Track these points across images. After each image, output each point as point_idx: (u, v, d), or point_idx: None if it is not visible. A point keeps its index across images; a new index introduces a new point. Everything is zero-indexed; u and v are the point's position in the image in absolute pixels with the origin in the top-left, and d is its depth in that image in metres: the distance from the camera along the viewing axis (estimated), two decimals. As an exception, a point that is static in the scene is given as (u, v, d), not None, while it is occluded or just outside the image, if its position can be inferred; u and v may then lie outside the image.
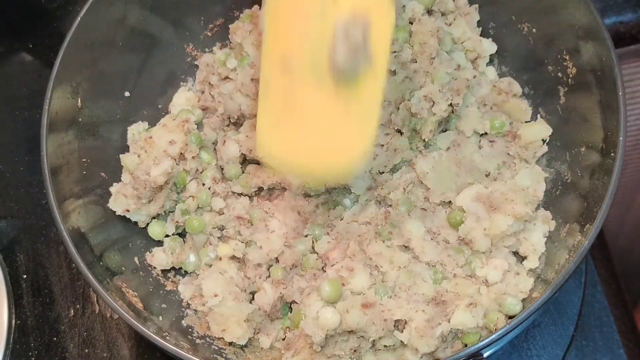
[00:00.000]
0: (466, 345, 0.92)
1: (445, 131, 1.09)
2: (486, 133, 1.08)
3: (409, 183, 1.05)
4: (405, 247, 1.01)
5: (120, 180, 1.06)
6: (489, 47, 1.10)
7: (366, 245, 1.01)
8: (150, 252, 1.06)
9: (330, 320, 0.93)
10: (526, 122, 1.07)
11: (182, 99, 1.15)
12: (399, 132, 1.08)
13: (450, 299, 0.95)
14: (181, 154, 1.06)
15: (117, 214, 1.03)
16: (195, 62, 1.19)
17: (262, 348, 1.00)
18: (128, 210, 1.03)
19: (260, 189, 1.08)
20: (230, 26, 1.17)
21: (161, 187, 1.03)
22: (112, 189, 1.03)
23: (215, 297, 0.97)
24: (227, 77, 1.14)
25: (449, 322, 0.92)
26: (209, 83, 1.16)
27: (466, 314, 0.92)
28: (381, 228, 1.02)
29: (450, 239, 1.01)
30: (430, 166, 1.05)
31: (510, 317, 0.93)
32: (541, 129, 1.04)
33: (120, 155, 1.06)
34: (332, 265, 1.01)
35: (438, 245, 1.01)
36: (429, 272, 0.99)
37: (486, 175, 1.05)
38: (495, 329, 0.91)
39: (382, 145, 1.06)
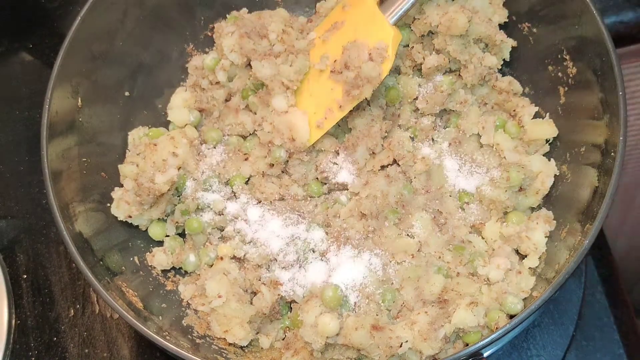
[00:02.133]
0: (467, 345, 0.92)
1: (446, 128, 1.10)
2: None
3: (412, 173, 1.06)
4: (409, 236, 1.03)
5: (119, 182, 1.06)
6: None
7: (369, 234, 1.02)
8: (150, 252, 1.06)
9: (330, 327, 0.92)
10: (533, 119, 1.07)
11: (179, 99, 1.15)
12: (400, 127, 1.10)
13: (452, 297, 0.96)
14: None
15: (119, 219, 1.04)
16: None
17: (262, 348, 1.00)
18: (130, 217, 1.03)
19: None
20: (214, 25, 1.17)
21: (163, 193, 1.03)
22: (113, 195, 1.03)
23: (219, 298, 0.97)
24: (218, 82, 1.14)
25: (450, 322, 0.93)
26: (200, 87, 1.16)
27: (467, 313, 0.92)
28: (388, 211, 1.03)
29: (457, 231, 1.02)
30: (431, 157, 1.06)
31: (511, 316, 0.93)
32: (548, 129, 1.04)
33: (119, 166, 1.06)
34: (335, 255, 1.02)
35: (442, 236, 1.02)
36: (434, 268, 0.99)
37: (486, 172, 1.05)
38: (496, 328, 0.91)
39: (383, 139, 1.07)
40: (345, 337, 0.92)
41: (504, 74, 1.11)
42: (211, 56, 1.15)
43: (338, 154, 1.08)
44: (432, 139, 1.10)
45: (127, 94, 1.12)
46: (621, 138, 0.89)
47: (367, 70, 0.99)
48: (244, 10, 1.16)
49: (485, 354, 0.92)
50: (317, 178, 1.09)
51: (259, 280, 1.03)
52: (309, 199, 1.09)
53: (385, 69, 1.00)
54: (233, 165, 1.10)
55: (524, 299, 0.94)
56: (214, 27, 1.18)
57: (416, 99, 1.10)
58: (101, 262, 0.96)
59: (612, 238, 1.23)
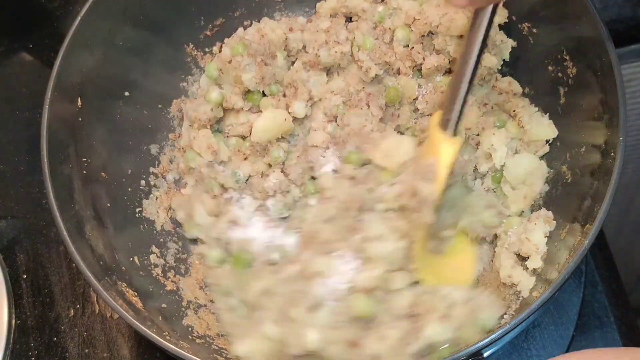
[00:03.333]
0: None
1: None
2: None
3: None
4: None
5: (120, 182, 1.07)
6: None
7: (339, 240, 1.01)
8: (150, 253, 1.06)
9: (312, 343, 0.90)
10: (535, 119, 1.07)
11: None
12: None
13: (423, 311, 0.93)
14: None
15: (118, 214, 1.03)
16: (199, 62, 1.19)
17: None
18: None
19: None
20: (215, 52, 1.18)
21: None
22: None
23: None
24: None
25: (421, 337, 0.90)
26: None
27: (438, 327, 0.90)
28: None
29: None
30: None
31: (487, 332, 0.91)
32: (548, 130, 1.04)
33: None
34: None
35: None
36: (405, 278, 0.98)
37: (484, 175, 1.06)
38: (467, 346, 0.89)
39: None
40: (322, 351, 0.90)
41: (503, 74, 1.11)
42: (216, 93, 1.11)
43: (328, 148, 1.09)
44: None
45: (127, 94, 1.12)
46: (621, 138, 0.89)
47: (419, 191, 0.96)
48: (240, 30, 1.15)
49: (485, 354, 0.92)
50: (312, 177, 1.09)
51: None
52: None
53: (436, 187, 0.95)
54: (233, 166, 1.11)
55: (524, 299, 0.94)
56: (213, 27, 1.18)
57: (416, 99, 1.10)
58: (101, 262, 0.96)
59: (612, 238, 1.23)
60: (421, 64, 1.09)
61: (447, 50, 1.06)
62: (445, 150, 0.95)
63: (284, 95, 1.12)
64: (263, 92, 1.11)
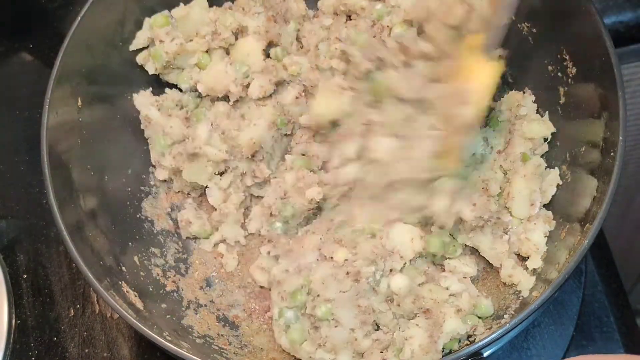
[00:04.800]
0: (450, 352, 0.92)
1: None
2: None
3: None
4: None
5: (120, 182, 1.07)
6: None
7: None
8: (151, 252, 1.06)
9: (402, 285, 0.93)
10: (532, 117, 1.06)
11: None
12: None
13: (430, 305, 0.95)
14: None
15: (118, 214, 1.03)
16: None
17: (261, 349, 1.00)
18: None
19: None
20: None
21: None
22: None
23: None
24: None
25: (442, 332, 0.91)
26: None
27: (457, 321, 0.91)
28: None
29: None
30: None
31: (483, 319, 0.94)
32: (543, 128, 1.04)
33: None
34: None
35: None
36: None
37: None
38: (474, 332, 0.91)
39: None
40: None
41: (503, 74, 1.11)
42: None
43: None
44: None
45: (127, 94, 1.12)
46: (621, 138, 0.89)
47: None
48: None
49: (485, 354, 0.92)
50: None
51: None
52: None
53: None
54: None
55: (523, 299, 0.94)
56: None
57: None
58: (101, 262, 0.96)
59: (612, 238, 1.23)
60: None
61: (436, 38, 1.03)
62: (486, 74, 0.91)
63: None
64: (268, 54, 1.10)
